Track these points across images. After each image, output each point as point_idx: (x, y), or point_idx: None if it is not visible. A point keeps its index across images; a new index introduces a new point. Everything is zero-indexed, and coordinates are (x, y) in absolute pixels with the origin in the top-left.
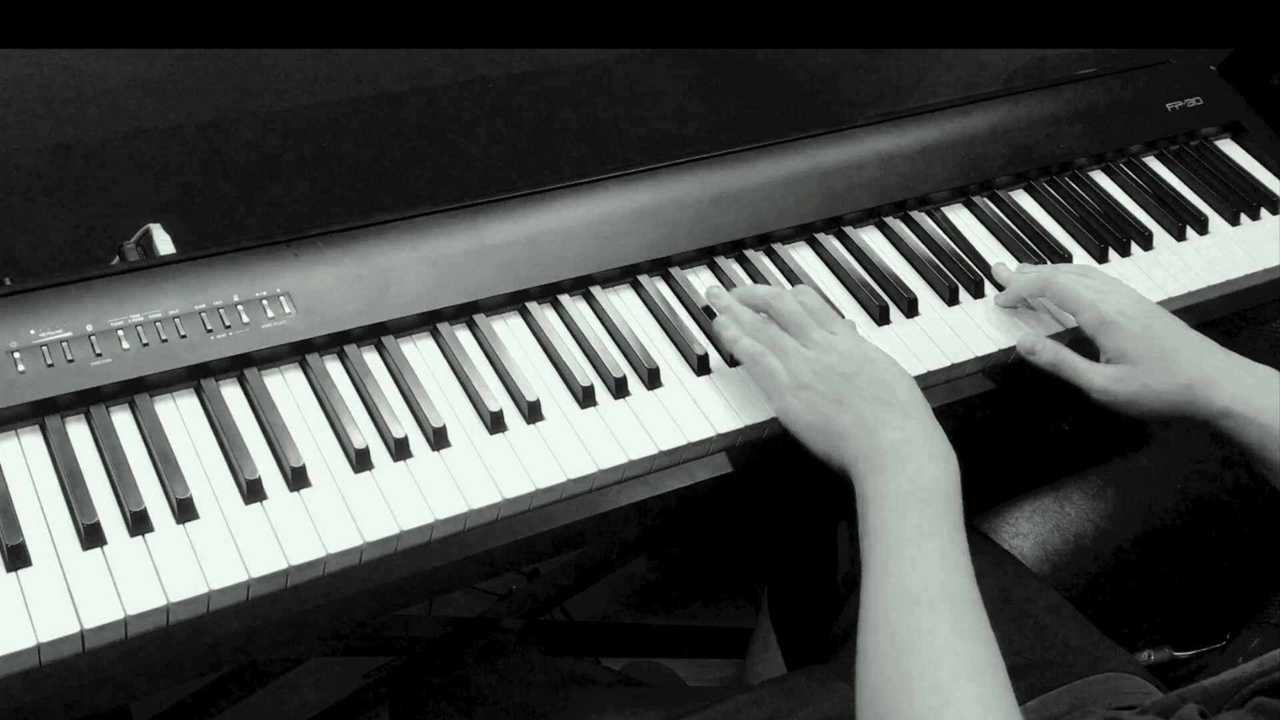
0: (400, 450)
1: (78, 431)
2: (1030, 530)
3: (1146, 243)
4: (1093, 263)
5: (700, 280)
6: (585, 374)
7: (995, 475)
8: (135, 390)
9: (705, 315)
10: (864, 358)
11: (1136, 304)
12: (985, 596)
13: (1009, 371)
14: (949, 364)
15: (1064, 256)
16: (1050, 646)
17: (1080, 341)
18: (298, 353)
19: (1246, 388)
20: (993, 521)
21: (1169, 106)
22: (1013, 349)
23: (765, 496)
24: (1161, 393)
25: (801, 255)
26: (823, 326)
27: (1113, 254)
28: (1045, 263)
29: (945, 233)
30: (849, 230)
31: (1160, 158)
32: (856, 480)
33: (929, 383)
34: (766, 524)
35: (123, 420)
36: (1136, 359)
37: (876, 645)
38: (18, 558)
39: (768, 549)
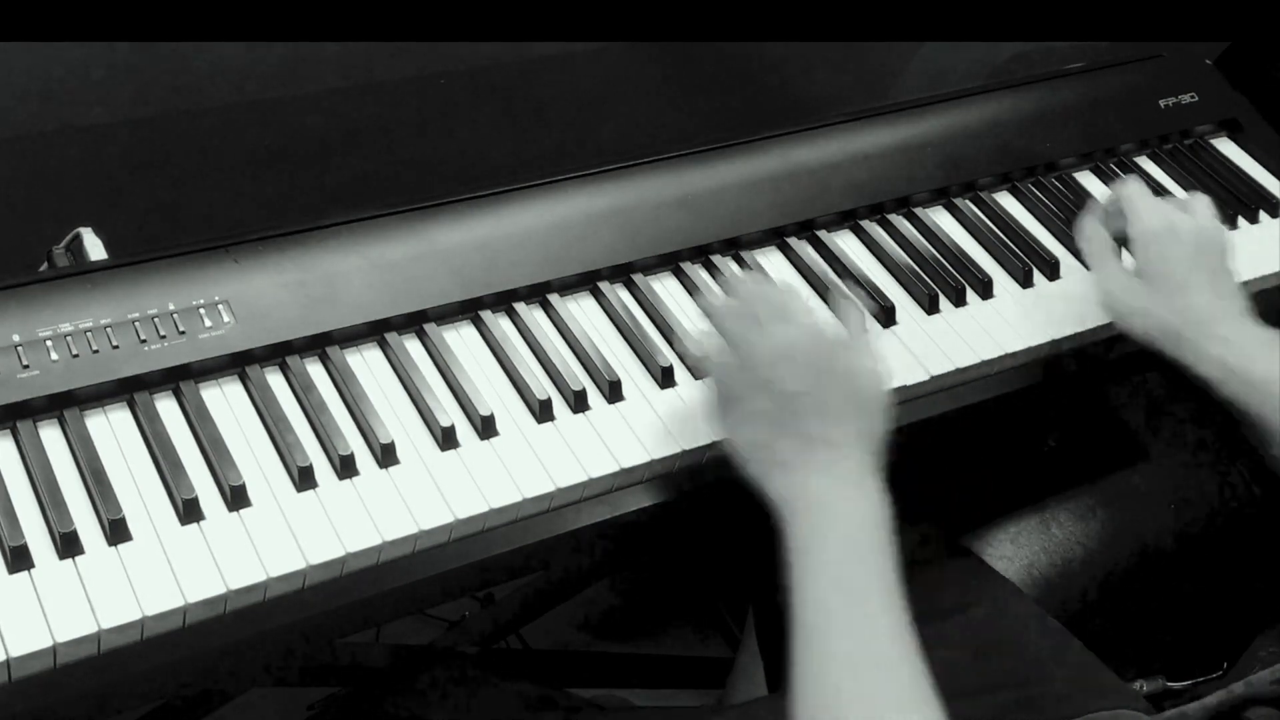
0: (346, 468)
1: (3, 448)
2: (1015, 553)
3: None
4: (1081, 268)
5: (665, 287)
6: (542, 386)
7: (978, 494)
8: (65, 404)
9: (669, 325)
10: (821, 369)
11: (1195, 232)
12: (976, 624)
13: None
14: (928, 378)
15: (1049, 262)
16: (1045, 679)
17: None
18: (237, 364)
19: (1246, 341)
20: (975, 544)
21: (1162, 103)
22: (995, 362)
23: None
24: (1160, 318)
25: (772, 261)
26: (786, 321)
27: None
28: (1031, 269)
29: (925, 237)
30: (822, 235)
31: (1153, 157)
32: (780, 521)
33: (905, 397)
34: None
35: (51, 436)
36: (1154, 277)
37: (807, 705)
38: None
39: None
